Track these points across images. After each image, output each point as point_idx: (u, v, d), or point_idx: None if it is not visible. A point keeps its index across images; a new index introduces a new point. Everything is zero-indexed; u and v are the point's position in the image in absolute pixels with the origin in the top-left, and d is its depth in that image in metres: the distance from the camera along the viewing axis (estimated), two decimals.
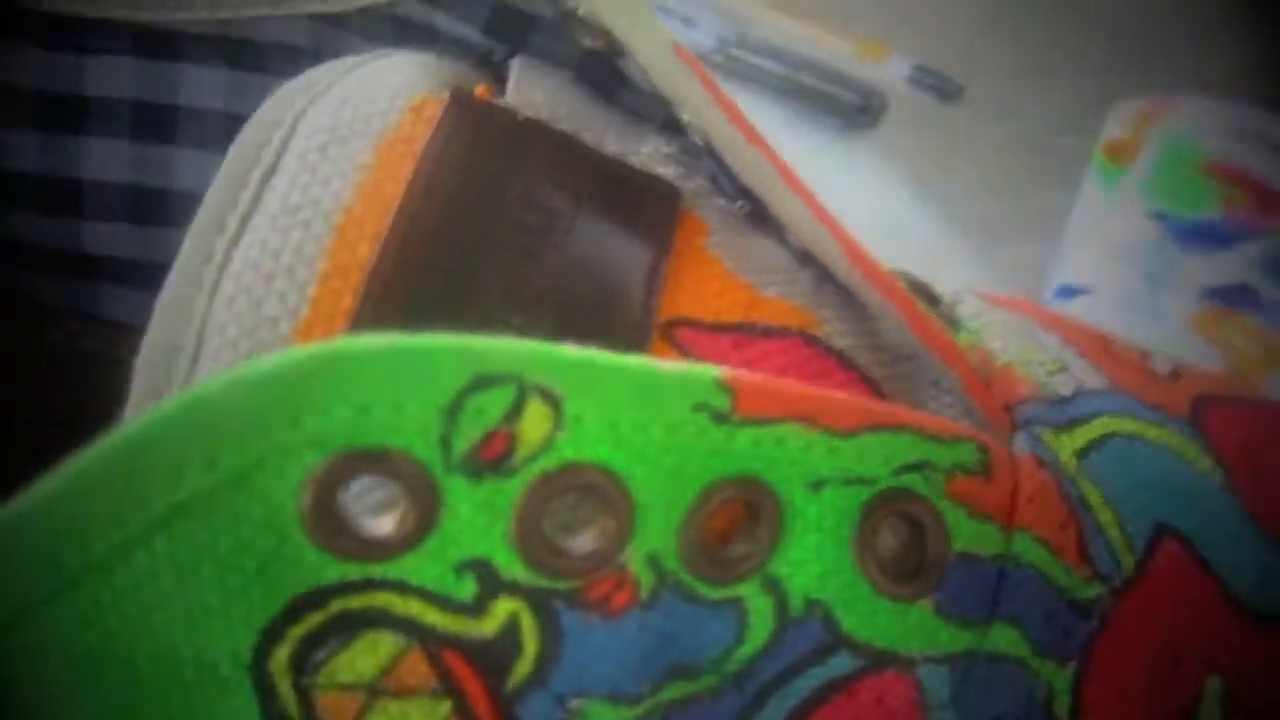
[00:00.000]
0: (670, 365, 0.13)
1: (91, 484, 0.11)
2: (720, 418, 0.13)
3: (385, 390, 0.11)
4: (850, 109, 0.36)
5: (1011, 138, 0.39)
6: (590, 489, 0.12)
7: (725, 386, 0.13)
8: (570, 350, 0.12)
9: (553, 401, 0.12)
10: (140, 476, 0.11)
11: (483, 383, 0.11)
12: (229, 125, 0.22)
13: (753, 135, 0.16)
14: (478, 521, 0.12)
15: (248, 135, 0.15)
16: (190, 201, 0.23)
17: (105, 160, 0.22)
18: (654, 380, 0.12)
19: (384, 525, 0.12)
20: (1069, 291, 0.33)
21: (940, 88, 0.38)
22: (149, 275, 0.24)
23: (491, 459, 0.12)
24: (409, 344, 0.11)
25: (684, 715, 0.13)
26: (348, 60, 0.17)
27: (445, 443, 0.11)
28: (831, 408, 0.14)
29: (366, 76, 0.16)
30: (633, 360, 0.12)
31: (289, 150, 0.15)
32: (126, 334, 0.24)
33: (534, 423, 0.12)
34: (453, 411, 0.11)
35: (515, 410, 0.12)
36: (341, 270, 0.14)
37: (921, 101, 0.38)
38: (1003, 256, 0.36)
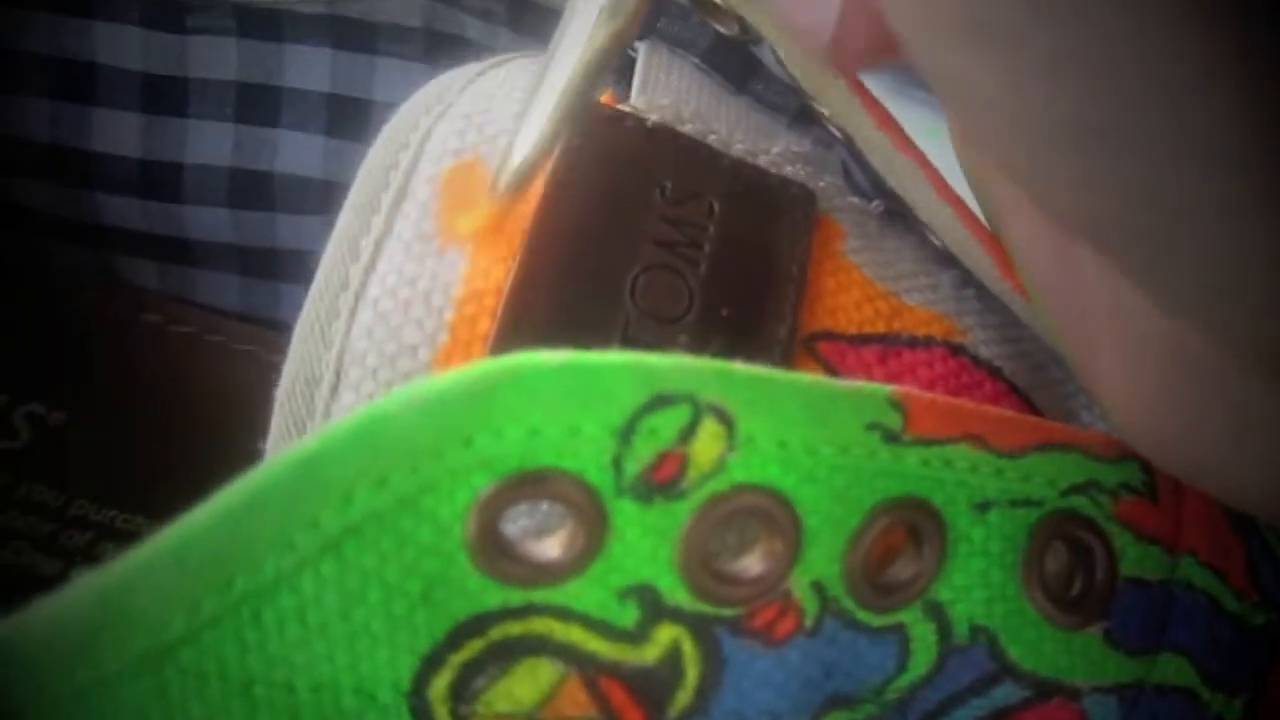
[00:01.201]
0: (842, 383, 0.12)
1: (262, 505, 0.10)
2: (891, 437, 0.12)
3: (560, 411, 0.11)
4: None
5: None
6: (757, 512, 0.12)
7: (897, 404, 0.12)
8: (743, 368, 0.11)
9: (726, 421, 0.11)
10: (310, 497, 0.10)
11: (659, 402, 0.11)
12: (332, 106, 0.22)
13: (901, 140, 0.15)
14: (645, 546, 0.11)
15: (374, 159, 0.15)
16: (288, 185, 0.22)
17: (207, 143, 0.22)
18: (827, 398, 0.12)
19: (551, 549, 0.11)
20: None
21: None
22: (243, 260, 0.23)
23: (663, 482, 0.11)
24: (583, 362, 0.11)
25: None
26: (465, 71, 0.16)
27: (617, 465, 0.11)
28: (999, 427, 0.13)
29: (486, 91, 0.16)
30: (805, 378, 0.12)
31: (416, 174, 0.14)
32: (218, 317, 0.24)
33: (707, 443, 0.11)
34: (626, 433, 0.11)
35: (689, 430, 0.11)
36: (477, 295, 0.13)
37: None
38: None
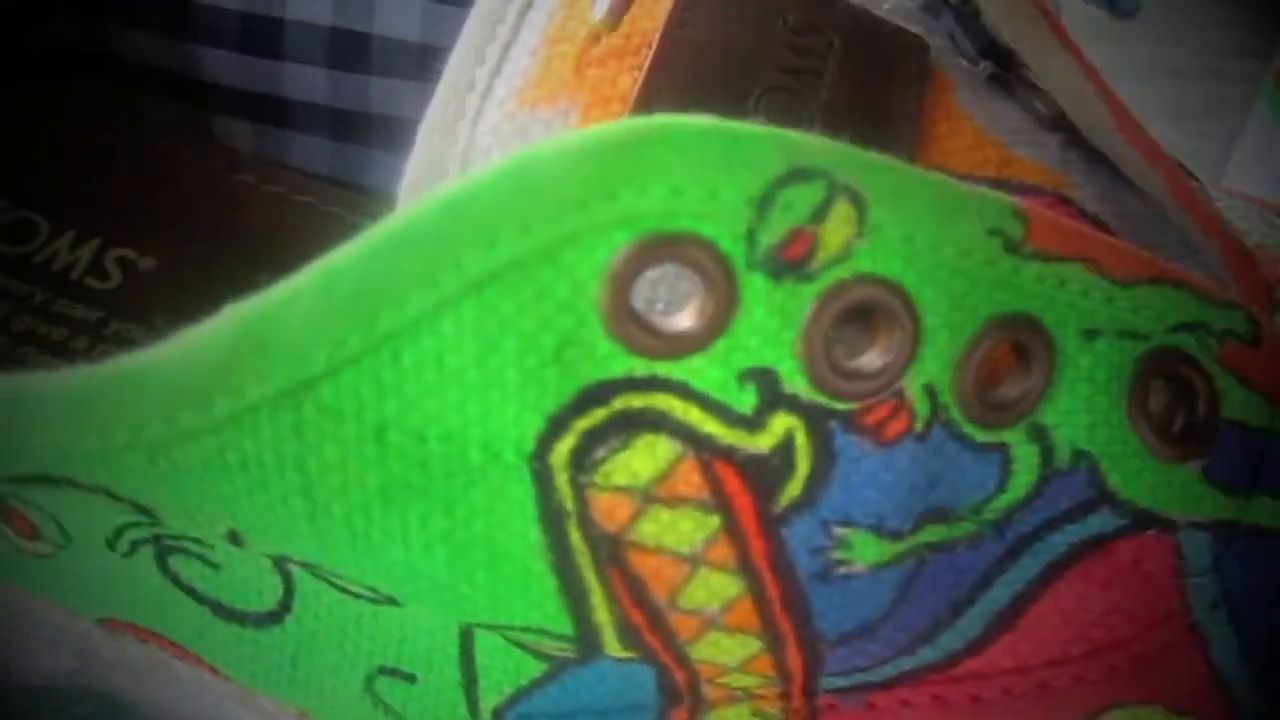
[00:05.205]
0: (968, 186, 0.12)
1: (409, 242, 0.10)
2: (1011, 246, 0.12)
3: (702, 173, 0.11)
4: None
5: (1182, 60, 0.38)
6: (878, 305, 0.12)
7: (1020, 215, 0.12)
8: (878, 155, 0.12)
9: (858, 204, 0.11)
10: (456, 236, 0.10)
11: (796, 176, 0.11)
12: None
13: None
14: (770, 326, 0.11)
15: None
16: (386, 47, 0.23)
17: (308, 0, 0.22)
18: (953, 198, 0.12)
19: (682, 320, 0.11)
20: None
21: (1116, 3, 0.37)
22: (335, 123, 0.24)
23: (793, 259, 0.11)
24: (727, 128, 0.11)
25: (940, 560, 0.13)
26: None
27: (751, 237, 0.11)
28: (1114, 254, 0.13)
29: None
30: (933, 175, 0.12)
31: None
32: (308, 179, 0.24)
33: (837, 225, 0.11)
34: (763, 204, 0.11)
35: (823, 209, 0.11)
36: (603, 100, 0.13)
37: (1096, 16, 0.37)
38: None
